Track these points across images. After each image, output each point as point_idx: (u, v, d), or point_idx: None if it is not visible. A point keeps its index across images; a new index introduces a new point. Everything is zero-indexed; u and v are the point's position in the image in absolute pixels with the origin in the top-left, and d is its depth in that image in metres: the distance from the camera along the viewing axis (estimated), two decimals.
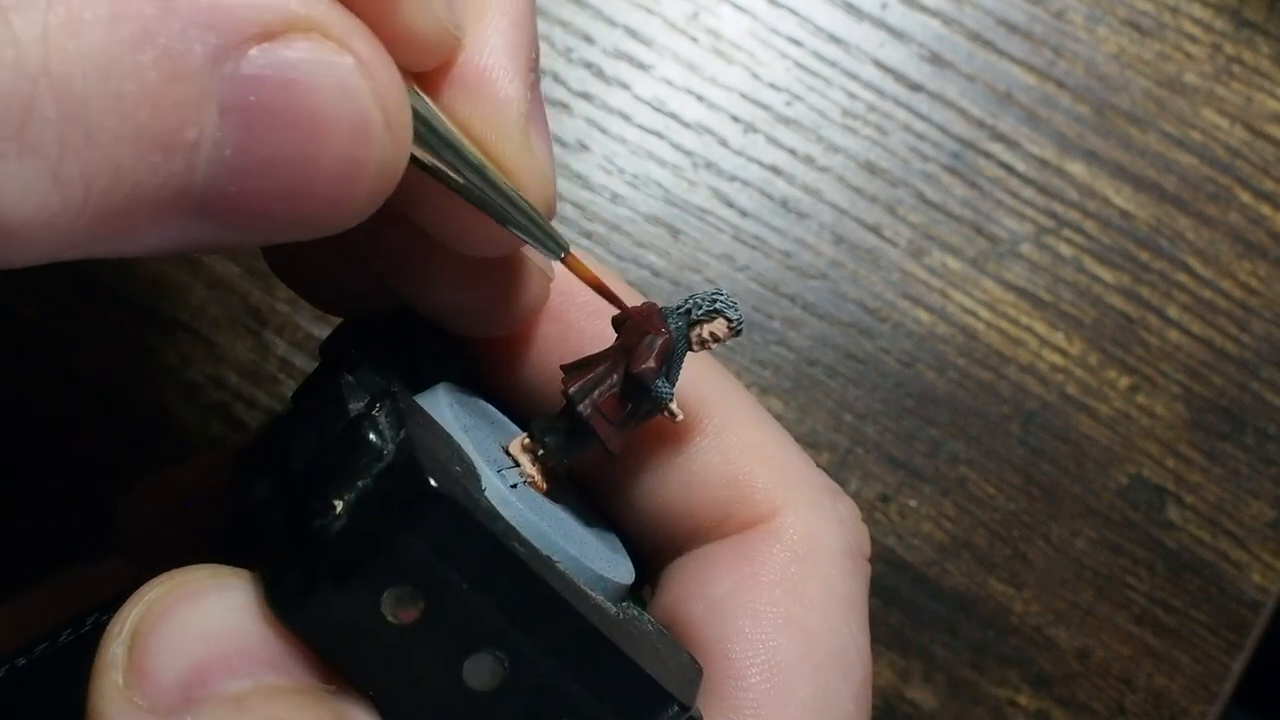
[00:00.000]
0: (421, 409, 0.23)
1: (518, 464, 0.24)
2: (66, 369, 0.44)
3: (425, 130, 0.21)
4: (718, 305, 0.24)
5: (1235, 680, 0.45)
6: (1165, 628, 0.45)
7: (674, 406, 0.24)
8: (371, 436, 0.20)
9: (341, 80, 0.19)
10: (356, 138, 0.19)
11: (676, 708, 0.21)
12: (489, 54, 0.22)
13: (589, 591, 0.22)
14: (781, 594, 0.26)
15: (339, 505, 0.20)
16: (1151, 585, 0.46)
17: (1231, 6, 0.49)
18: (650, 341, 0.24)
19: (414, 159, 0.20)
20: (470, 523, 0.19)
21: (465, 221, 0.23)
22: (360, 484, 0.20)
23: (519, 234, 0.23)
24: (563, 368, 0.25)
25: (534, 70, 0.23)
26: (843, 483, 0.45)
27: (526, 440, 0.25)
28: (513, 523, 0.22)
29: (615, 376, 0.24)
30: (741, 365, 0.46)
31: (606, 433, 0.24)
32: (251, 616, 0.20)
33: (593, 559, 0.24)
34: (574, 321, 0.27)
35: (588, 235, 0.46)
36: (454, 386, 0.25)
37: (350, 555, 0.19)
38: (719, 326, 0.24)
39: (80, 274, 0.44)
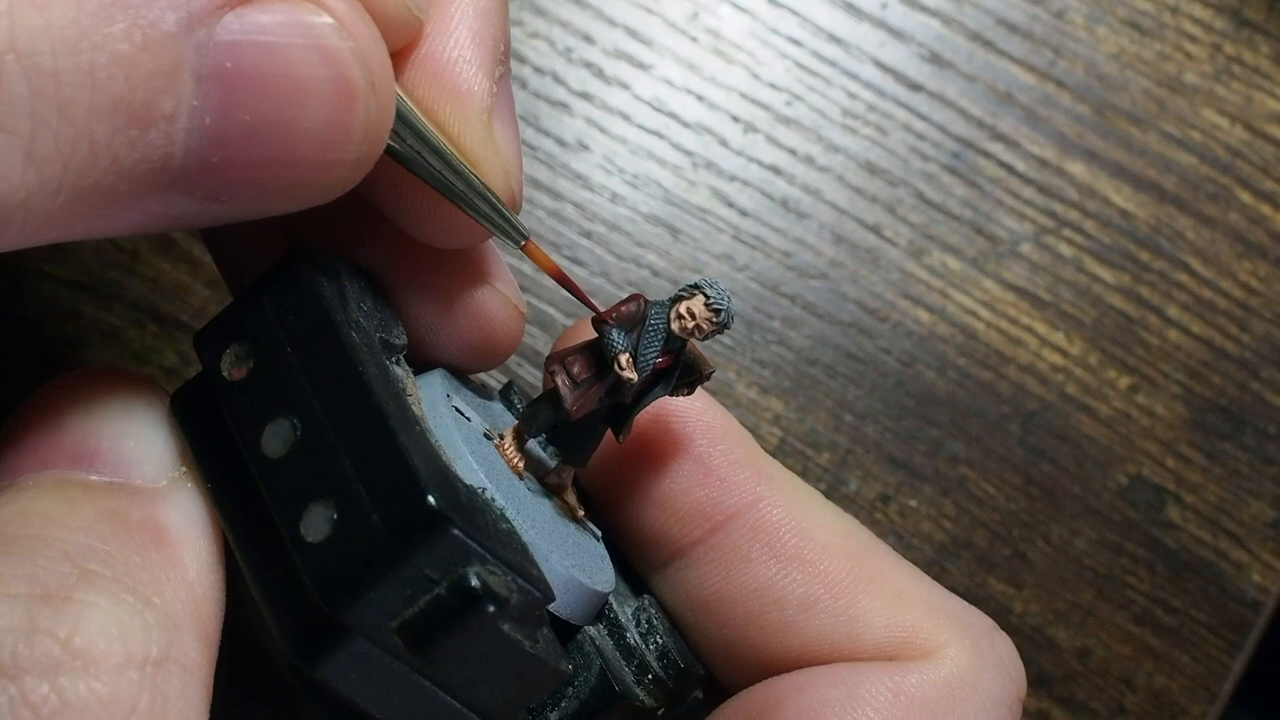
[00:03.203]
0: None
1: (502, 438, 0.26)
2: (66, 369, 0.44)
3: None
4: (699, 282, 0.25)
5: (1235, 680, 0.45)
6: (1165, 628, 0.45)
7: (623, 359, 0.25)
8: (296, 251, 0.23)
9: (320, 42, 0.18)
10: (340, 100, 0.19)
11: (446, 526, 0.20)
12: (454, 46, 0.22)
13: (416, 410, 0.23)
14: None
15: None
16: (1151, 585, 0.46)
17: (1231, 6, 0.49)
18: (618, 303, 0.25)
19: None
20: (314, 298, 0.22)
21: (428, 208, 0.23)
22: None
23: (480, 220, 0.23)
24: None
25: (503, 63, 0.23)
26: (842, 483, 0.46)
27: (518, 424, 0.26)
28: (434, 423, 0.23)
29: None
30: (742, 365, 0.46)
31: (565, 389, 0.25)
32: (141, 419, 0.22)
33: (535, 527, 0.24)
34: (715, 469, 0.28)
35: (588, 235, 0.46)
36: (452, 373, 0.27)
37: (222, 321, 0.23)
38: (697, 304, 0.25)
39: (80, 274, 0.44)
